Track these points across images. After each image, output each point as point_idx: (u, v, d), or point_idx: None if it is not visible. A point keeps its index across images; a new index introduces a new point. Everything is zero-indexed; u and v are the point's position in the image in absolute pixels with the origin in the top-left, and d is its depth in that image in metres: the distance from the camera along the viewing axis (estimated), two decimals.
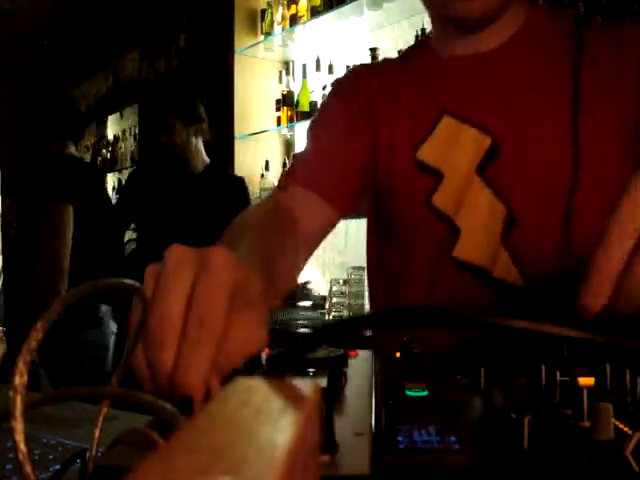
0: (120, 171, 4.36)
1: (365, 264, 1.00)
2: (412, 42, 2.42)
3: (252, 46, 2.96)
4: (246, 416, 0.18)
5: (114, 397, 0.31)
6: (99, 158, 4.58)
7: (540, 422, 0.35)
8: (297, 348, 0.44)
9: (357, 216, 1.23)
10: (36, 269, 2.02)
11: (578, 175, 0.80)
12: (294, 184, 0.91)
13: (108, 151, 4.48)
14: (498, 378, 0.45)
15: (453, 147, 0.85)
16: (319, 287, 2.83)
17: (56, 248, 2.02)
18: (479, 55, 0.88)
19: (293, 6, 2.76)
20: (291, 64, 3.01)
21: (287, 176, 0.94)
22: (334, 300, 2.54)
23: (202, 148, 2.43)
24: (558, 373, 0.40)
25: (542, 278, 0.84)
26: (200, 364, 0.37)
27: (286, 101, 2.88)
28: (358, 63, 1.08)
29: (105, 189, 2.43)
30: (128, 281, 0.34)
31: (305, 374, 0.46)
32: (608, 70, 0.82)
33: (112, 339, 2.26)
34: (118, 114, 4.33)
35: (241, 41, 2.97)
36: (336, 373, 0.43)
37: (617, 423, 0.33)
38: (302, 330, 0.48)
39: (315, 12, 2.66)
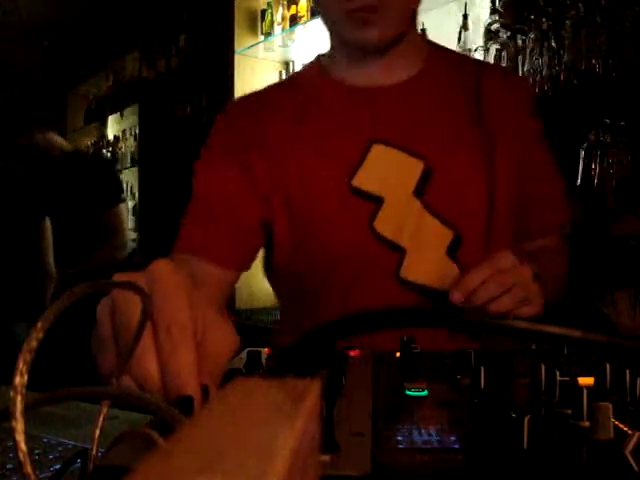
0: (120, 171, 4.36)
1: None
2: None
3: (252, 46, 2.96)
4: (246, 416, 0.18)
5: (114, 397, 0.31)
6: None
7: (540, 422, 0.35)
8: (300, 347, 0.44)
9: None
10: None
11: (495, 196, 0.88)
12: (184, 254, 0.87)
13: (108, 151, 4.48)
14: (498, 378, 0.45)
15: (389, 172, 0.88)
16: None
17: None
18: (393, 86, 0.92)
19: (293, 6, 2.76)
20: (291, 64, 3.01)
21: (176, 246, 0.90)
22: None
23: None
24: (558, 373, 0.41)
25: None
26: (186, 362, 0.37)
27: None
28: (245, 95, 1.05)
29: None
30: (128, 280, 0.34)
31: (305, 374, 0.46)
32: (500, 111, 0.92)
33: None
34: (118, 114, 4.32)
35: (241, 41, 2.97)
36: (336, 373, 0.43)
37: (617, 423, 0.33)
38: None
39: (315, 12, 2.65)
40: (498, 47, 1.88)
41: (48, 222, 2.50)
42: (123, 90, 4.23)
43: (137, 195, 3.91)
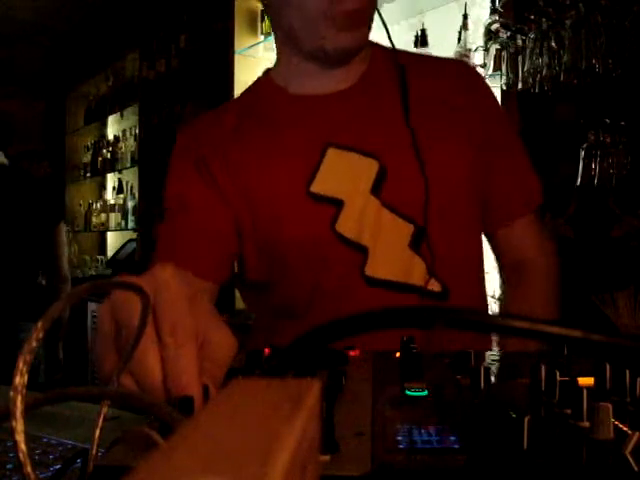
0: (120, 171, 4.36)
1: None
2: (412, 42, 2.43)
3: (252, 46, 2.96)
4: (246, 416, 0.18)
5: (114, 397, 0.31)
6: (99, 158, 4.58)
7: (540, 422, 0.35)
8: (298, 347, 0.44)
9: None
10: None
11: (447, 185, 0.90)
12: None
13: (108, 151, 4.48)
14: (498, 378, 0.45)
15: (345, 175, 0.89)
16: None
17: None
18: (343, 91, 0.93)
19: None
20: None
21: (155, 259, 0.91)
22: None
23: None
24: (558, 373, 0.41)
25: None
26: (188, 364, 0.38)
27: None
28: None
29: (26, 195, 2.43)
30: (129, 281, 0.34)
31: (305, 374, 0.46)
32: (433, 99, 0.93)
33: None
34: (118, 114, 4.32)
35: (241, 41, 2.97)
36: (336, 373, 0.43)
37: (617, 423, 0.33)
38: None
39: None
40: (498, 47, 1.89)
41: (63, 226, 2.52)
42: (123, 90, 4.23)
43: (137, 195, 3.91)
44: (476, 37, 2.12)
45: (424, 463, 0.30)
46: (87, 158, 4.78)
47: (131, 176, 4.19)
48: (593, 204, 1.72)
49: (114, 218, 4.35)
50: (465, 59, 2.02)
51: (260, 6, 3.01)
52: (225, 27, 3.03)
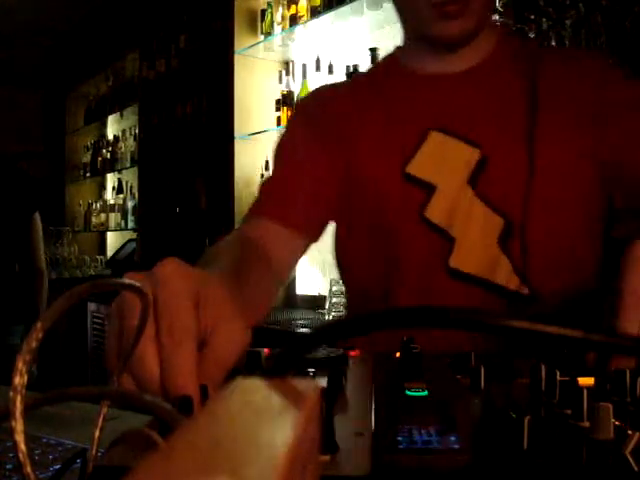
0: (120, 171, 4.36)
1: None
2: None
3: (252, 46, 2.96)
4: (246, 416, 0.18)
5: (114, 397, 0.31)
6: (99, 158, 4.58)
7: (540, 422, 0.35)
8: (298, 347, 0.44)
9: None
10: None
11: (531, 188, 0.83)
12: (261, 216, 0.90)
13: (108, 151, 4.48)
14: (498, 378, 0.45)
15: (443, 160, 0.87)
16: (319, 287, 2.83)
17: None
18: (458, 74, 0.91)
19: (293, 6, 2.76)
20: (291, 64, 3.01)
21: (253, 209, 0.93)
22: (334, 300, 2.54)
23: None
24: (558, 373, 0.40)
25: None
26: (184, 364, 0.38)
27: (286, 101, 2.88)
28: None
29: None
30: (128, 281, 0.34)
31: (305, 374, 0.46)
32: (564, 97, 0.87)
33: None
34: (118, 114, 4.32)
35: (241, 41, 2.97)
36: (336, 373, 0.43)
37: (617, 423, 0.33)
38: (301, 330, 0.48)
39: (315, 12, 2.65)
40: None
41: (38, 217, 2.48)
42: (123, 90, 4.23)
43: (137, 195, 3.91)
44: None
45: (424, 463, 0.30)
46: (87, 158, 4.77)
47: (131, 176, 4.19)
48: None
49: (114, 218, 4.35)
50: None
51: (260, 6, 3.01)
52: (225, 27, 3.03)
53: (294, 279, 2.94)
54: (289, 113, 2.87)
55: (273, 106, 2.96)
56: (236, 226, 3.62)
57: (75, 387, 0.30)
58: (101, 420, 0.32)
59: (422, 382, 0.43)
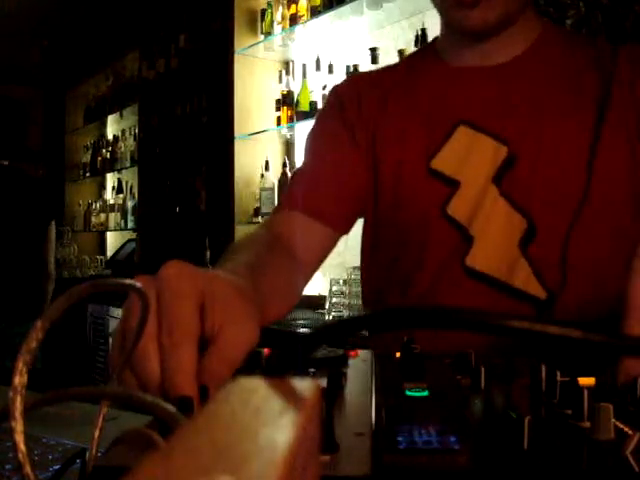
0: (120, 171, 4.36)
1: None
2: (412, 42, 2.43)
3: (252, 46, 2.96)
4: (246, 416, 0.18)
5: (114, 397, 0.31)
6: (99, 158, 4.58)
7: (540, 422, 0.35)
8: (298, 347, 0.44)
9: None
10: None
11: (588, 195, 0.80)
12: (291, 208, 0.90)
13: (108, 151, 4.48)
14: (498, 378, 0.45)
15: (469, 156, 0.85)
16: (319, 287, 2.83)
17: None
18: (492, 67, 0.88)
19: (293, 6, 2.76)
20: (291, 64, 3.01)
21: (285, 197, 0.93)
22: (334, 300, 2.54)
23: None
24: (558, 373, 0.40)
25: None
26: (183, 364, 0.39)
27: (286, 101, 2.88)
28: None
29: None
30: (128, 281, 0.34)
31: (305, 374, 0.46)
32: (632, 106, 0.81)
33: None
34: (118, 114, 4.32)
35: (241, 41, 2.97)
36: (336, 373, 0.43)
37: (617, 423, 0.33)
38: (302, 330, 0.48)
39: (315, 12, 2.66)
40: None
41: (54, 225, 2.53)
42: (123, 90, 4.23)
43: (136, 195, 3.91)
44: None
45: (424, 463, 0.30)
46: (86, 158, 4.77)
47: (130, 176, 4.19)
48: None
49: (113, 218, 4.35)
50: None
51: (260, 5, 3.01)
52: (225, 27, 3.03)
53: None
54: (289, 113, 2.87)
55: (273, 106, 2.96)
56: (236, 226, 3.60)
57: (75, 387, 0.30)
58: (101, 420, 0.32)
59: (422, 382, 0.43)
